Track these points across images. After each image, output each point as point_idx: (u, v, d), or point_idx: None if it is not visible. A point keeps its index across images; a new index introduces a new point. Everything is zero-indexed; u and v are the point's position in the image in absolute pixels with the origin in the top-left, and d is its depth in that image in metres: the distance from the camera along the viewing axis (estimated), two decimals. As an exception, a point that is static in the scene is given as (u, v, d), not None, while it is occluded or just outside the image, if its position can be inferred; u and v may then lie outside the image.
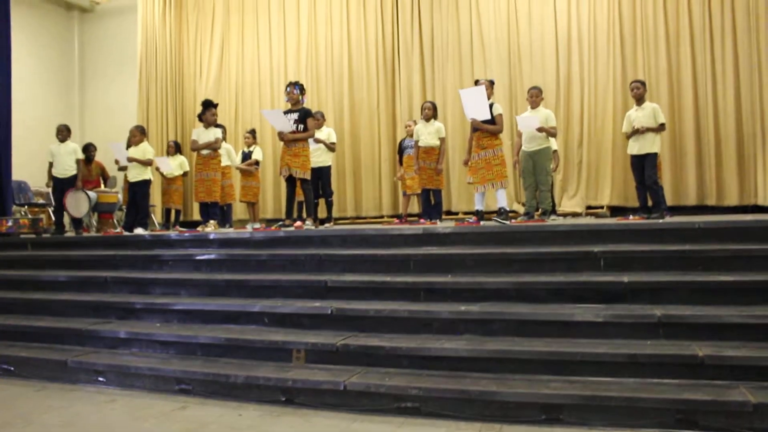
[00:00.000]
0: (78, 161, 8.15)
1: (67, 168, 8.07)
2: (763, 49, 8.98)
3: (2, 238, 7.66)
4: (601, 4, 9.96)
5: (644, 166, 6.62)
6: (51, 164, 8.13)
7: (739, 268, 4.19)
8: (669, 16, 9.62)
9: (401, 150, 8.54)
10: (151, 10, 12.30)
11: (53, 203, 8.58)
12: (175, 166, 9.32)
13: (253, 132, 9.54)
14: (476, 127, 6.61)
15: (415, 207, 8.82)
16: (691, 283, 4.04)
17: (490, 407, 3.39)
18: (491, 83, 6.92)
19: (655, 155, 6.62)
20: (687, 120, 9.44)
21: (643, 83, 6.85)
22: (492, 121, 6.54)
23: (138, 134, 8.14)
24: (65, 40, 13.05)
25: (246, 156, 9.31)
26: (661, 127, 6.66)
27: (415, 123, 8.22)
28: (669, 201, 8.12)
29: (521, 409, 3.33)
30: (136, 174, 7.94)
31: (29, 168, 10.34)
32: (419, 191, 8.01)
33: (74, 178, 8.10)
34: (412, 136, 8.11)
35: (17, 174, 9.58)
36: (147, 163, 8.00)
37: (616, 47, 9.84)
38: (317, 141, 7.86)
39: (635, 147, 6.67)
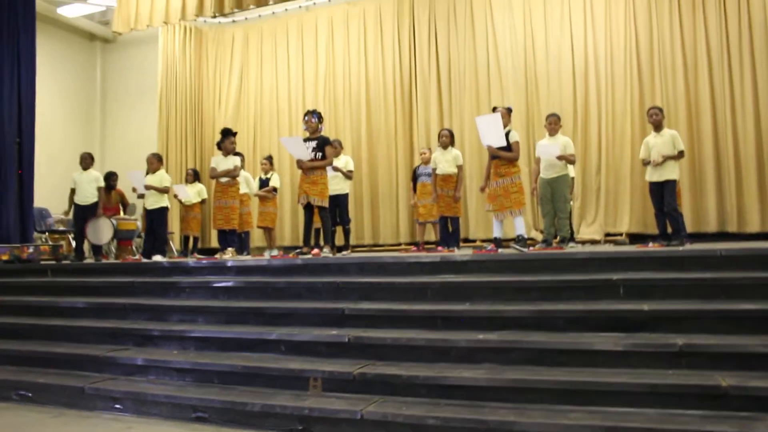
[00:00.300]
0: (99, 189, 8.25)
1: (88, 195, 8.17)
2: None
3: (23, 265, 7.74)
4: (618, 33, 9.99)
5: (663, 193, 6.57)
6: (73, 191, 8.25)
7: (763, 296, 4.10)
8: (686, 44, 9.61)
9: (415, 177, 8.54)
10: (172, 41, 12.52)
11: (74, 229, 8.67)
12: (194, 193, 9.40)
13: (269, 158, 9.61)
14: (493, 155, 6.62)
15: (431, 234, 8.78)
16: (713, 311, 3.97)
17: (509, 438, 3.34)
18: (509, 111, 6.92)
19: (674, 182, 6.57)
20: (706, 146, 9.37)
21: (660, 110, 6.82)
22: (508, 148, 6.54)
23: (155, 162, 8.24)
24: (88, 70, 13.30)
25: (263, 183, 9.37)
26: (680, 155, 6.62)
27: (431, 151, 8.25)
28: (689, 228, 8.02)
29: (541, 440, 3.28)
30: (153, 201, 8.03)
31: (50, 195, 10.47)
32: (433, 219, 8.00)
33: (95, 205, 8.19)
34: (427, 163, 8.13)
35: (38, 201, 9.70)
36: (164, 191, 8.09)
37: (634, 75, 9.84)
38: (335, 169, 7.90)
39: (655, 174, 6.63)
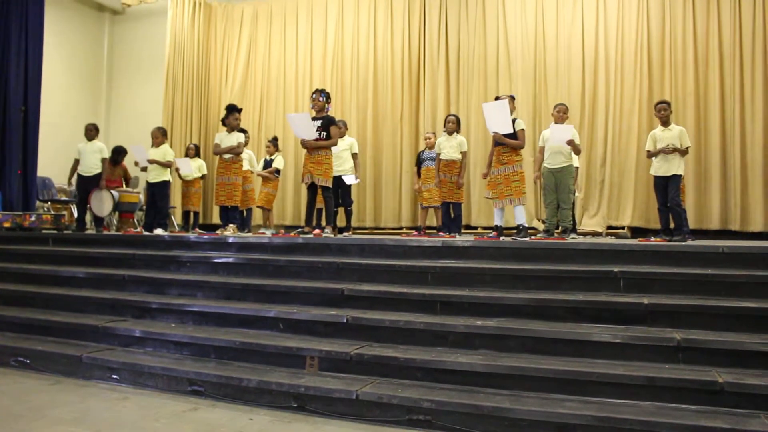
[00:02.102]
0: (103, 160, 8.24)
1: (91, 166, 8.16)
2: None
3: (25, 233, 7.76)
4: (630, 26, 9.91)
5: (668, 188, 6.54)
6: (77, 161, 8.22)
7: (763, 295, 4.10)
8: (698, 40, 9.54)
9: (420, 162, 8.52)
10: (181, 15, 12.43)
11: (76, 199, 8.68)
12: (194, 168, 9.38)
13: (274, 140, 9.57)
14: (498, 142, 6.59)
15: (433, 220, 8.77)
16: (712, 307, 3.96)
17: (503, 424, 3.35)
18: (512, 99, 6.88)
19: (679, 177, 6.53)
20: (713, 143, 9.33)
21: (669, 104, 6.76)
22: (514, 135, 6.52)
23: (160, 136, 8.23)
24: (95, 41, 13.23)
25: (268, 164, 9.34)
26: (685, 151, 6.58)
27: (435, 135, 8.24)
28: (691, 224, 8.02)
29: (534, 428, 3.29)
30: (155, 175, 8.04)
31: (54, 165, 10.48)
32: (436, 204, 8.00)
33: (98, 176, 8.18)
34: (431, 148, 8.11)
35: (42, 170, 9.71)
36: (167, 165, 8.08)
37: (644, 68, 9.77)
38: (354, 158, 8.08)
39: (660, 168, 6.59)
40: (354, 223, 9.25)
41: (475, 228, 10.28)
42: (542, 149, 6.99)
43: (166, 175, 8.10)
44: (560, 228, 6.93)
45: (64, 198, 10.43)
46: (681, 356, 3.62)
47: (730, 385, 3.25)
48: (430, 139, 8.30)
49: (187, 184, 9.38)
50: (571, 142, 6.67)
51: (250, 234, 8.23)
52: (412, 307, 4.53)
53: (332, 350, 4.08)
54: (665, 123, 6.66)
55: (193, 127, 12.58)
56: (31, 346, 4.86)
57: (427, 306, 4.50)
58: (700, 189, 9.37)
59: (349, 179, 8.04)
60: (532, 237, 6.43)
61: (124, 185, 9.65)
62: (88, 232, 8.24)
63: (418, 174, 8.46)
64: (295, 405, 3.79)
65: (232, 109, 7.61)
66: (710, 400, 3.28)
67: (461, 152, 7.64)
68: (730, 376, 3.33)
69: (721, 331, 3.78)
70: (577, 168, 7.80)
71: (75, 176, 8.34)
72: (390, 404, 3.56)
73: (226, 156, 7.54)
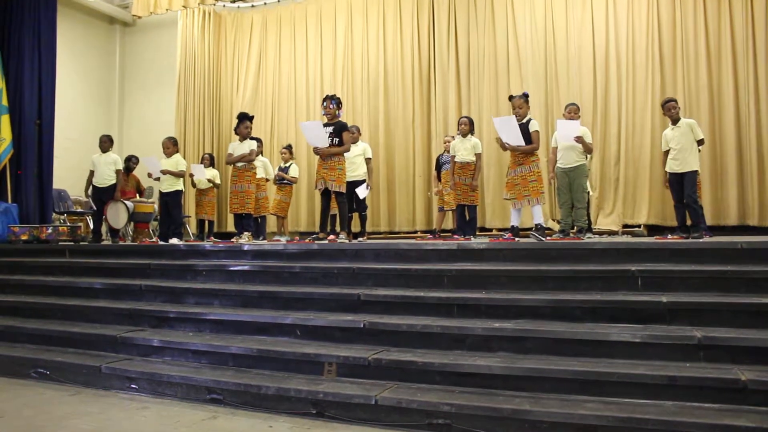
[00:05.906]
0: (117, 172, 8.30)
1: (106, 178, 8.23)
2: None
3: (42, 245, 7.82)
4: (640, 22, 9.85)
5: (684, 184, 6.49)
6: (92, 173, 8.31)
7: (785, 290, 4.06)
8: (710, 33, 9.46)
9: (439, 165, 8.51)
10: (191, 25, 12.51)
11: (93, 210, 8.76)
12: (207, 176, 9.44)
13: (289, 147, 9.61)
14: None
15: (449, 223, 8.75)
16: (732, 304, 3.91)
17: (523, 426, 3.32)
18: (525, 97, 6.85)
19: (695, 173, 6.50)
20: (728, 137, 9.24)
21: (676, 101, 6.74)
22: (528, 137, 6.53)
23: (171, 146, 8.29)
24: (107, 53, 13.34)
25: (283, 171, 9.37)
26: (699, 143, 6.54)
27: (454, 138, 8.23)
28: (708, 220, 7.93)
29: (555, 429, 3.26)
30: (168, 185, 8.10)
31: (69, 177, 10.55)
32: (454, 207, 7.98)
33: (113, 188, 8.25)
34: (449, 151, 8.11)
35: (57, 183, 9.78)
36: (180, 175, 8.13)
37: (655, 64, 9.70)
38: (368, 162, 8.03)
39: (675, 165, 6.55)
40: (368, 228, 9.25)
41: (490, 230, 10.23)
42: (555, 150, 6.98)
43: (178, 185, 8.16)
44: (576, 228, 6.90)
45: (79, 210, 10.51)
46: (702, 354, 3.58)
47: (753, 383, 3.21)
48: (448, 142, 8.29)
49: (200, 192, 9.44)
50: (580, 140, 6.65)
51: (265, 241, 8.25)
52: (428, 310, 4.52)
53: (350, 356, 4.07)
54: (675, 121, 6.64)
55: (206, 136, 12.63)
56: (51, 358, 4.90)
57: (444, 309, 4.48)
58: (716, 184, 9.28)
59: (361, 192, 8.00)
60: (548, 237, 6.40)
61: (137, 196, 9.73)
62: (104, 243, 8.30)
63: (438, 177, 8.45)
64: (314, 411, 3.79)
65: (243, 118, 7.65)
66: (733, 398, 3.23)
67: (476, 154, 7.62)
68: (753, 374, 3.28)
69: (742, 329, 3.74)
70: (591, 158, 7.76)
71: (89, 187, 8.42)
72: (409, 409, 3.55)
73: (239, 164, 7.57)
